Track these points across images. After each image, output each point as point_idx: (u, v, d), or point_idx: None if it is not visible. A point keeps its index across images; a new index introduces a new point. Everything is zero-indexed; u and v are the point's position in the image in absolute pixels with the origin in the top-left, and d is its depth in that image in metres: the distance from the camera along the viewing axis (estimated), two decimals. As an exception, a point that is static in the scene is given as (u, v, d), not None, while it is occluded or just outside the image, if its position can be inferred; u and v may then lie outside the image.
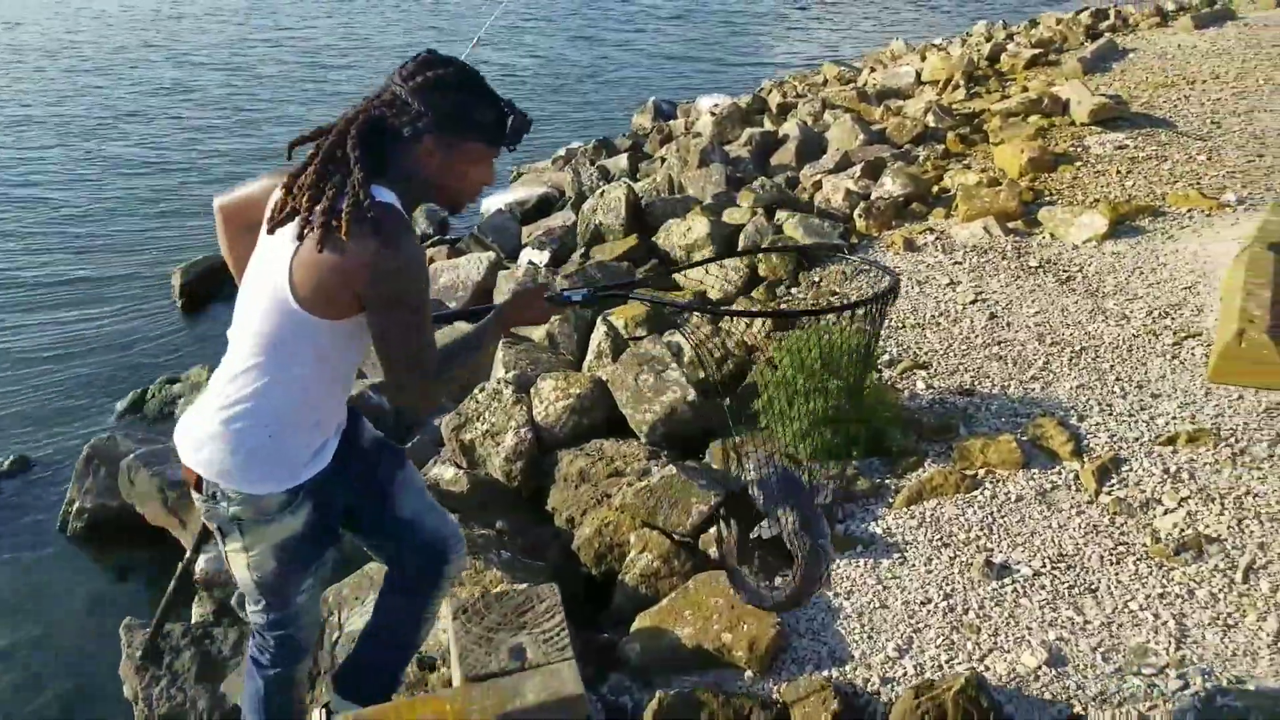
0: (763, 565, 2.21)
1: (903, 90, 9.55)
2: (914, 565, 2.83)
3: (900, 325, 4.24)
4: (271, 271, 1.70)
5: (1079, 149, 6.50)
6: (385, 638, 2.17)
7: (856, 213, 5.69)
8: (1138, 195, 5.52)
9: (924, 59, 10.70)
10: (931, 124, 7.51)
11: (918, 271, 4.77)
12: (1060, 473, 3.13)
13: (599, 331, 4.30)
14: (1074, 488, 3.06)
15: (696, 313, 2.03)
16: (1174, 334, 3.91)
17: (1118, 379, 3.62)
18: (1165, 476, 3.04)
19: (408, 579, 2.13)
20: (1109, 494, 3.00)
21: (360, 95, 1.77)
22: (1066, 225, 5.04)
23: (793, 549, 2.06)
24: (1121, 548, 2.78)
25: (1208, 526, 2.80)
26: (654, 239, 5.97)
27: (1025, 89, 8.48)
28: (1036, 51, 10.28)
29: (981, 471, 3.19)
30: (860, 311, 1.94)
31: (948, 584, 2.73)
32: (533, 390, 3.78)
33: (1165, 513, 2.89)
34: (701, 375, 4.18)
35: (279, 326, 1.71)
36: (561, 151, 10.06)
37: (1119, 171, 5.95)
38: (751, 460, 2.22)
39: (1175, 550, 2.72)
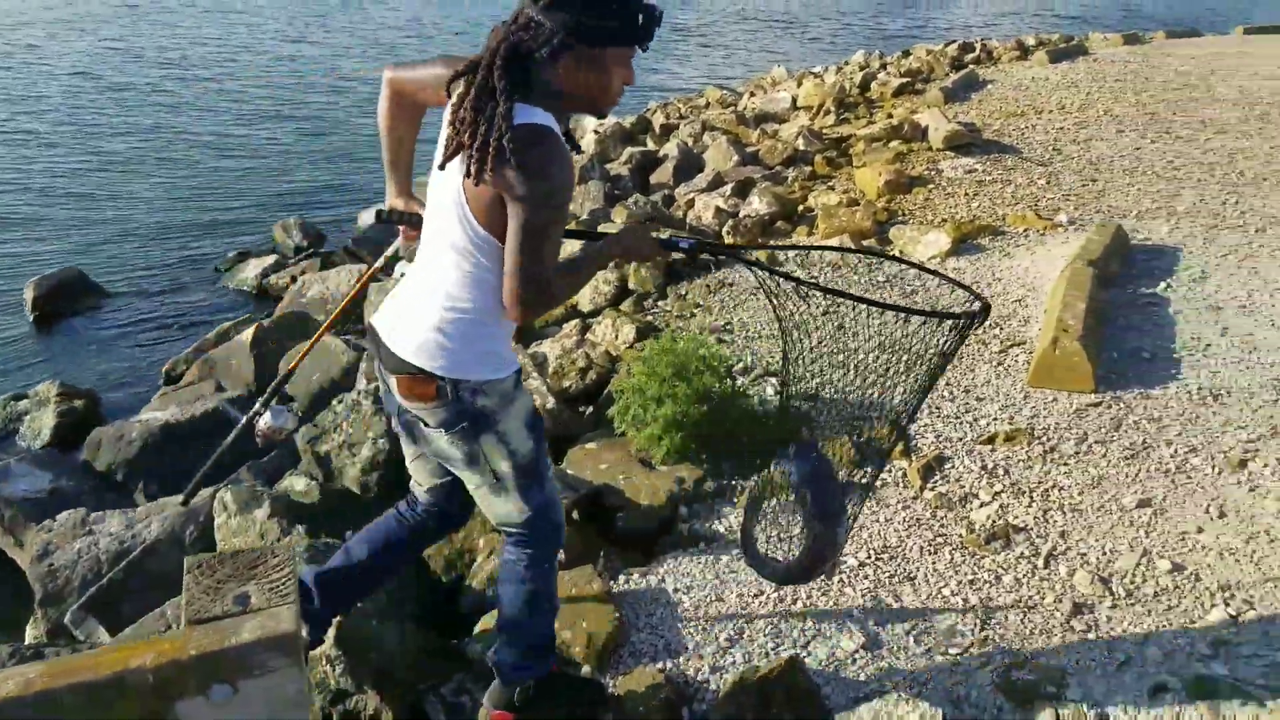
0: (773, 535, 2.42)
1: (779, 115, 9.90)
2: (750, 561, 2.96)
3: (756, 335, 4.42)
4: (453, 200, 1.87)
5: (933, 172, 6.88)
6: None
7: (725, 230, 5.90)
8: (981, 216, 5.89)
9: (800, 85, 11.11)
10: (802, 147, 7.83)
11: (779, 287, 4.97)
12: (890, 471, 3.33)
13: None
14: (902, 485, 3.27)
15: (792, 284, 2.19)
16: (1001, 343, 4.20)
17: (948, 384, 3.87)
18: (982, 472, 3.27)
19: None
20: (932, 490, 3.21)
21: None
22: (914, 243, 5.35)
23: (807, 529, 2.24)
24: (940, 539, 2.98)
25: (1016, 517, 3.03)
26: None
27: (890, 116, 8.93)
28: (904, 80, 10.81)
29: (820, 472, 3.36)
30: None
31: (781, 577, 2.88)
32: (392, 401, 3.81)
33: (980, 505, 3.11)
34: (565, 384, 4.28)
35: (470, 243, 1.89)
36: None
37: (966, 193, 6.34)
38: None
39: (986, 540, 2.94)
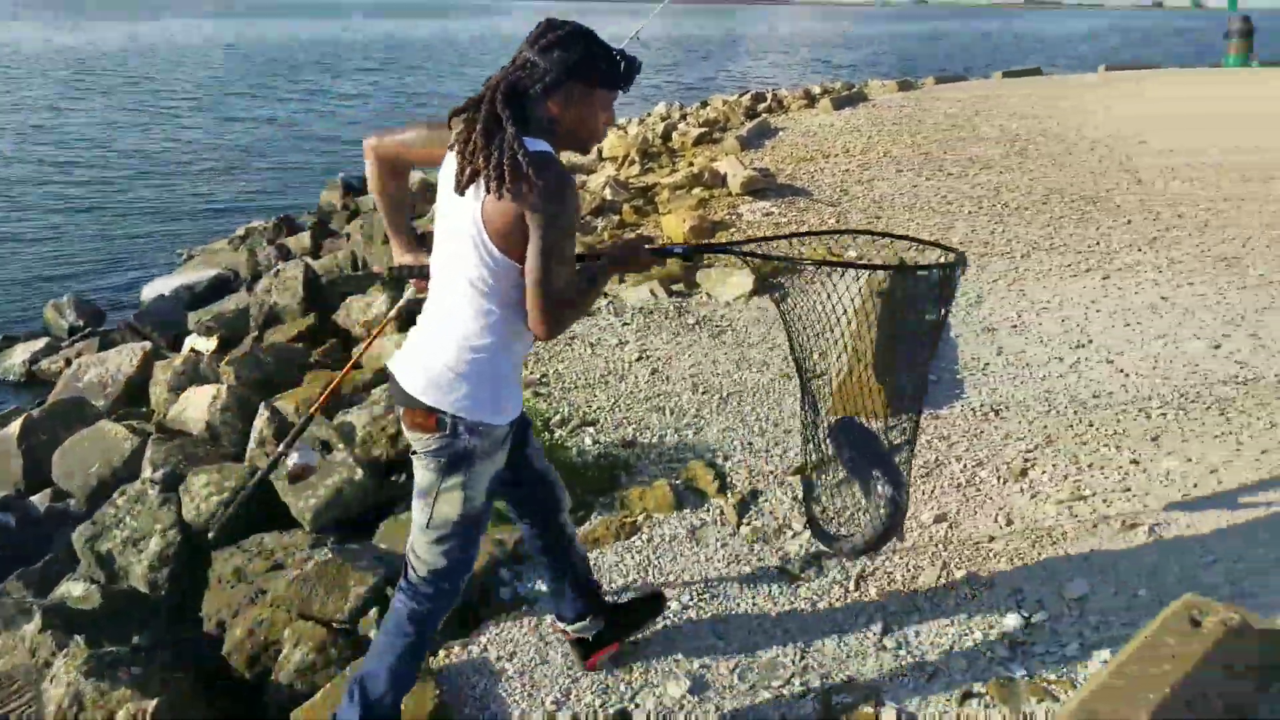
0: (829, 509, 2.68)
1: (586, 165, 10.06)
2: (575, 617, 2.92)
3: (572, 386, 4.42)
4: (467, 226, 1.99)
5: (734, 216, 7.16)
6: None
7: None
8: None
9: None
10: (610, 197, 7.96)
11: (591, 335, 5.01)
12: (709, 510, 3.38)
13: (261, 417, 4.12)
14: (720, 522, 3.32)
15: (793, 264, 2.54)
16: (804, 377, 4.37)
17: (758, 419, 3.99)
18: (794, 504, 3.37)
19: (542, 513, 2.49)
20: (748, 524, 3.28)
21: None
22: (720, 285, 5.52)
23: (872, 500, 2.45)
24: (758, 572, 3.03)
25: (820, 546, 3.13)
26: (333, 317, 5.85)
27: (691, 164, 9.25)
28: (703, 130, 11.25)
29: (641, 517, 3.37)
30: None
31: (606, 630, 2.85)
32: (182, 488, 3.54)
33: (794, 536, 3.20)
34: (376, 453, 4.12)
35: (488, 273, 2.00)
36: (240, 231, 9.63)
37: (765, 235, 6.62)
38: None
39: (801, 569, 3.02)
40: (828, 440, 2.73)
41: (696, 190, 7.95)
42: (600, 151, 10.54)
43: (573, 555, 2.57)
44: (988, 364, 4.52)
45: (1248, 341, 4.71)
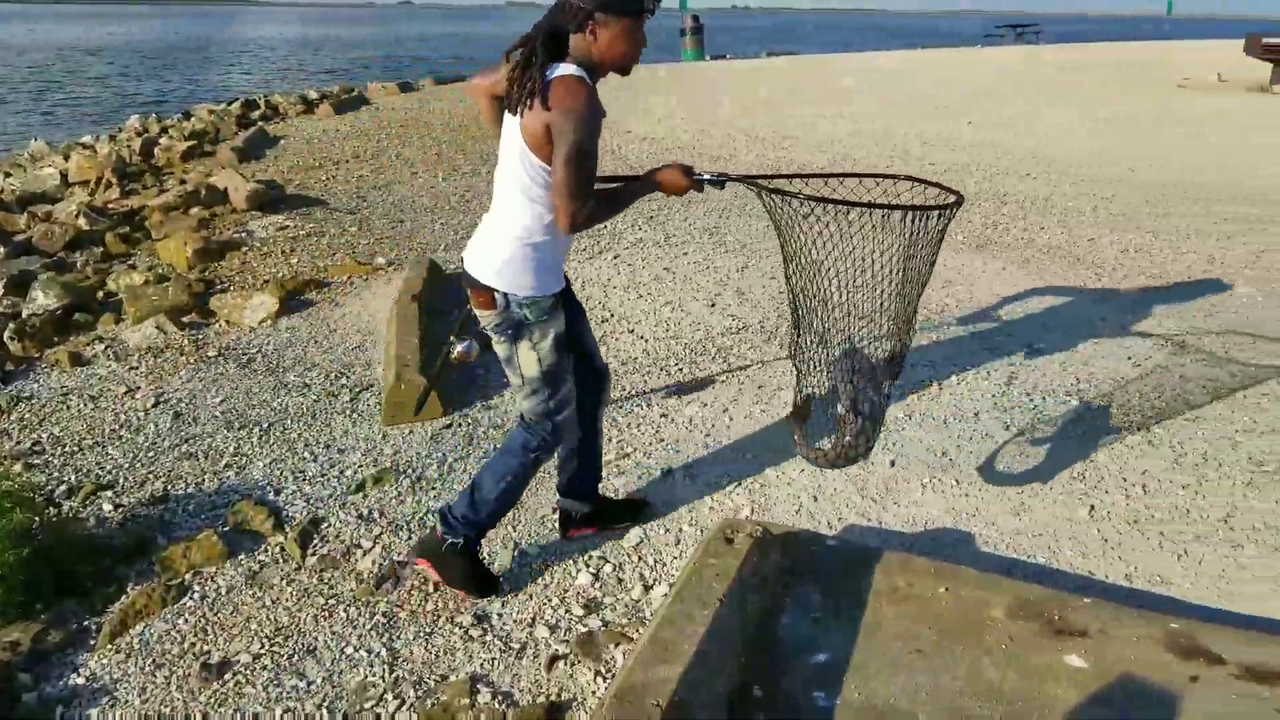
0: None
1: (49, 194, 8.73)
2: (128, 702, 2.55)
3: (75, 449, 3.83)
4: (514, 137, 2.44)
5: (244, 234, 6.69)
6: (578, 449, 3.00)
7: (7, 335, 4.99)
8: (303, 271, 5.89)
9: (68, 159, 9.93)
10: (86, 226, 6.99)
11: (89, 387, 4.37)
12: (267, 550, 3.15)
13: None
14: (282, 560, 3.10)
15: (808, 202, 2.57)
16: (350, 391, 4.25)
17: (307, 445, 3.79)
18: (360, 521, 3.27)
19: (583, 396, 2.83)
20: (314, 554, 3.11)
21: None
22: (240, 309, 5.13)
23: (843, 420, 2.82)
24: (332, 601, 2.89)
25: (400, 553, 3.09)
26: None
27: (184, 181, 8.46)
28: (191, 143, 10.34)
29: (189, 576, 3.03)
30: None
31: (168, 706, 2.53)
32: None
33: (364, 554, 3.10)
34: None
35: (528, 175, 2.43)
36: None
37: (284, 251, 6.29)
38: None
39: (378, 584, 2.94)
40: (837, 366, 2.94)
41: (195, 210, 7.30)
42: (65, 176, 9.20)
43: (595, 443, 3.06)
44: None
45: (735, 298, 5.49)
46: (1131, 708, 2.16)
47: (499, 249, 2.53)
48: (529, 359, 2.62)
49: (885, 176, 2.97)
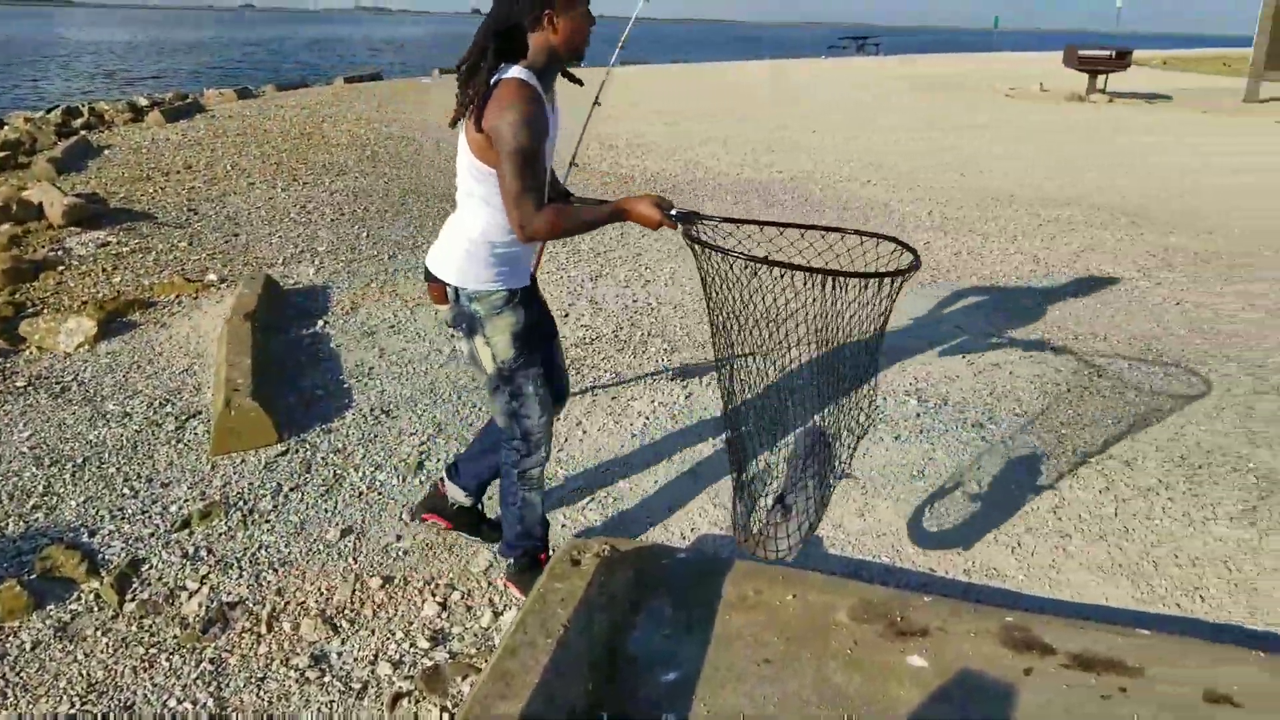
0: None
1: None
2: (-89, 784, 2.28)
3: None
4: (462, 145, 2.47)
5: (61, 252, 6.21)
6: None
7: None
8: (127, 290, 5.51)
9: None
10: (-124, 247, 6.33)
11: (-125, 424, 3.94)
12: (80, 598, 2.89)
13: None
14: (97, 608, 2.85)
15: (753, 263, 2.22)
16: (176, 419, 3.97)
17: (126, 479, 3.52)
18: (185, 560, 3.05)
19: None
20: (133, 599, 2.87)
21: None
22: (53, 334, 4.74)
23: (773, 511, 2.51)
24: (153, 650, 2.67)
25: (230, 593, 2.89)
26: None
27: (-7, 196, 7.78)
28: (4, 154, 9.55)
29: (-12, 633, 2.75)
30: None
31: (-40, 785, 2.28)
32: None
33: (190, 596, 2.89)
34: None
35: (476, 179, 2.46)
36: None
37: (105, 269, 5.86)
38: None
39: (203, 629, 2.74)
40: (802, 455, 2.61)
41: (5, 226, 6.72)
42: None
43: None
44: (372, 367, 4.57)
45: (589, 307, 5.46)
46: (970, 704, 2.23)
47: (455, 246, 2.57)
48: (484, 355, 2.63)
49: (861, 234, 2.86)
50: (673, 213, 2.50)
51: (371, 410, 4.12)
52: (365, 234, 6.92)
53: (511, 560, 2.93)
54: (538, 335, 2.72)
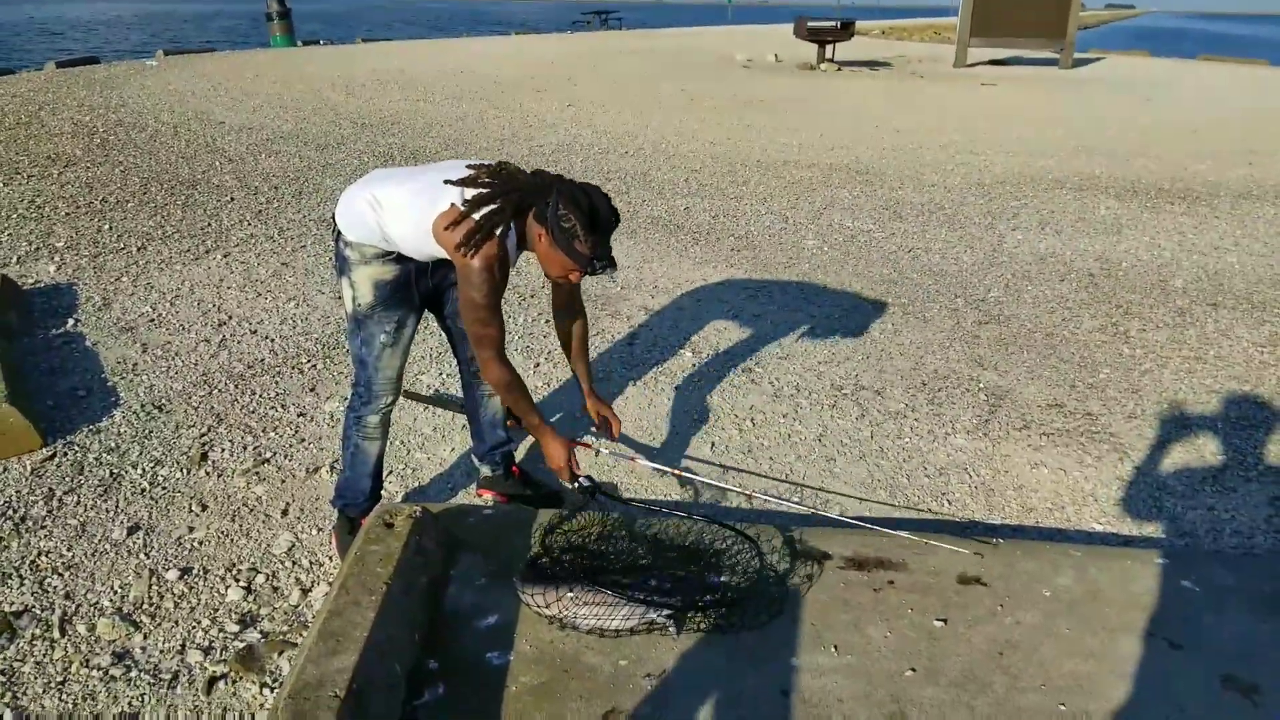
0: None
1: None
2: None
3: None
4: (429, 203, 2.53)
5: None
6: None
7: None
8: None
9: None
10: None
11: None
12: None
13: None
14: None
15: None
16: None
17: None
18: (-49, 579, 2.83)
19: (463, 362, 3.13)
20: (-106, 627, 2.65)
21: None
22: None
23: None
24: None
25: (12, 603, 2.73)
26: None
27: None
28: None
29: None
30: None
31: None
32: None
33: (-37, 614, 2.70)
34: None
35: (401, 216, 2.58)
36: None
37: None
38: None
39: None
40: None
41: None
42: None
43: (479, 409, 3.21)
44: (136, 363, 4.33)
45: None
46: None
47: (359, 201, 2.62)
48: (346, 294, 2.74)
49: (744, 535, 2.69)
50: (580, 481, 2.77)
51: (143, 407, 3.93)
52: (107, 226, 6.44)
53: (337, 511, 3.07)
54: (406, 291, 2.78)
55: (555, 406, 4.04)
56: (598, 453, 3.15)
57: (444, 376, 4.28)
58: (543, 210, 2.45)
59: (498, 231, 2.45)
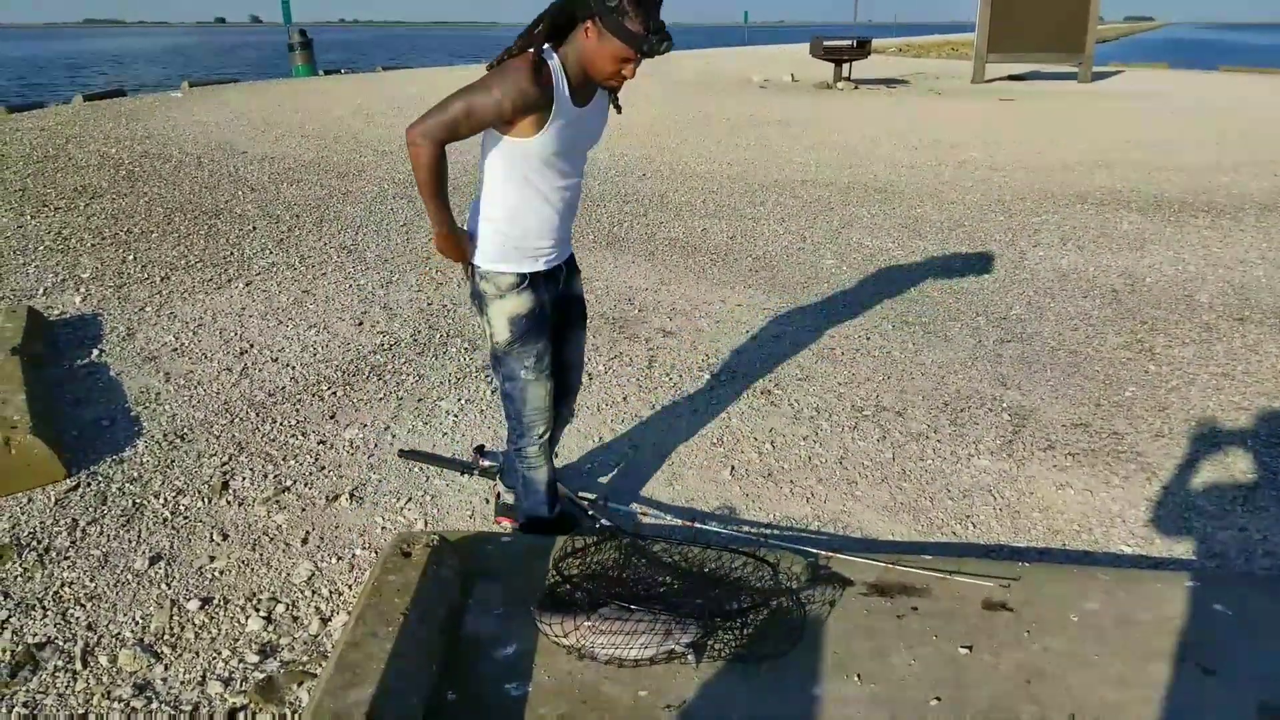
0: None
1: None
2: None
3: None
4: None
5: None
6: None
7: None
8: None
9: None
10: None
11: None
12: None
13: None
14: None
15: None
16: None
17: (-109, 535, 3.23)
18: (-24, 611, 2.85)
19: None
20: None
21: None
22: None
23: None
24: (-48, 707, 2.51)
25: (35, 635, 2.74)
26: None
27: None
28: None
29: None
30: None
31: None
32: None
33: (-13, 647, 2.71)
34: None
35: (487, 150, 2.55)
36: None
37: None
38: None
39: (11, 673, 2.59)
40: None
41: None
42: None
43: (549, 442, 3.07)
44: (159, 393, 4.37)
45: (383, 314, 5.43)
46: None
47: (474, 223, 2.66)
48: (486, 331, 2.76)
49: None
50: (601, 523, 3.11)
51: (165, 436, 3.96)
52: (132, 257, 6.53)
53: (517, 527, 3.19)
54: (541, 322, 2.75)
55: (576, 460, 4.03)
56: (597, 521, 3.18)
57: (462, 402, 4.29)
58: (578, 4, 2.32)
59: (538, 42, 2.38)
